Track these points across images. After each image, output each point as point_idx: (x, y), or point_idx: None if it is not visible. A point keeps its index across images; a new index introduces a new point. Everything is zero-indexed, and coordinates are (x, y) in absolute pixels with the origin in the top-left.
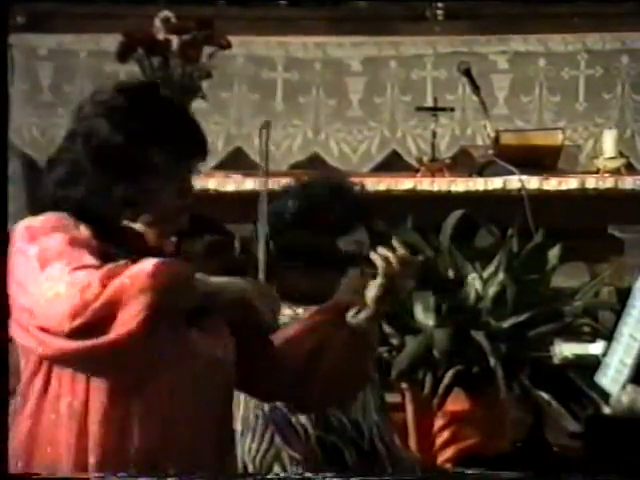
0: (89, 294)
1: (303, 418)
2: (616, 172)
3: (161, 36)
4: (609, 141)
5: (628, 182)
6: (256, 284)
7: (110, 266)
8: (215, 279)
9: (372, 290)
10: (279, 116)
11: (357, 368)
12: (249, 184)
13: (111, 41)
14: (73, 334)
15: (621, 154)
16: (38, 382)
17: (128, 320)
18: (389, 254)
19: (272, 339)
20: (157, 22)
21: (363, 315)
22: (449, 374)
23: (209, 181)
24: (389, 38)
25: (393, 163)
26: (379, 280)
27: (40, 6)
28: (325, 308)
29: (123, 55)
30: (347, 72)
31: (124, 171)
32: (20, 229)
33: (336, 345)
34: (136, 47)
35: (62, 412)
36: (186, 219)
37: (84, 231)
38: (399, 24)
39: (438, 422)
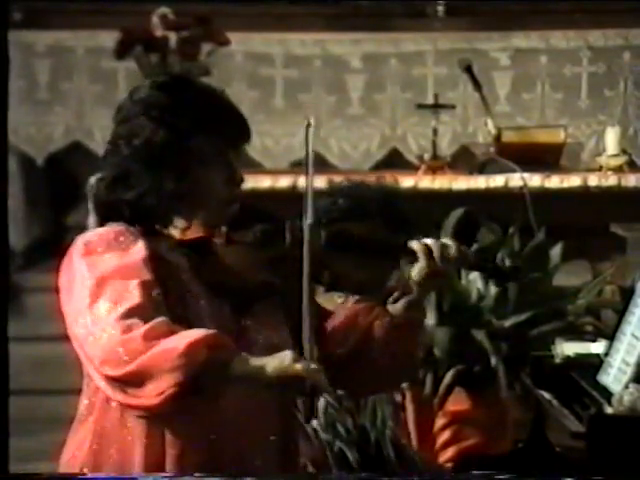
0: (126, 353)
1: (315, 422)
2: (619, 170)
3: (159, 33)
4: (612, 138)
5: (631, 180)
6: (296, 355)
7: (156, 323)
8: (255, 359)
9: (414, 273)
10: (278, 113)
11: (403, 355)
12: (247, 182)
13: (109, 38)
14: (109, 381)
15: (624, 151)
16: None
17: (154, 394)
18: (427, 241)
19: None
20: (155, 19)
21: (403, 301)
22: (450, 373)
23: None
24: (389, 35)
25: (394, 161)
26: (420, 264)
27: (37, 3)
28: (366, 297)
29: (121, 52)
30: (347, 69)
31: (172, 165)
32: (79, 244)
33: (379, 333)
34: (134, 44)
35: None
36: (236, 208)
37: (140, 247)
38: (399, 20)
39: (439, 422)
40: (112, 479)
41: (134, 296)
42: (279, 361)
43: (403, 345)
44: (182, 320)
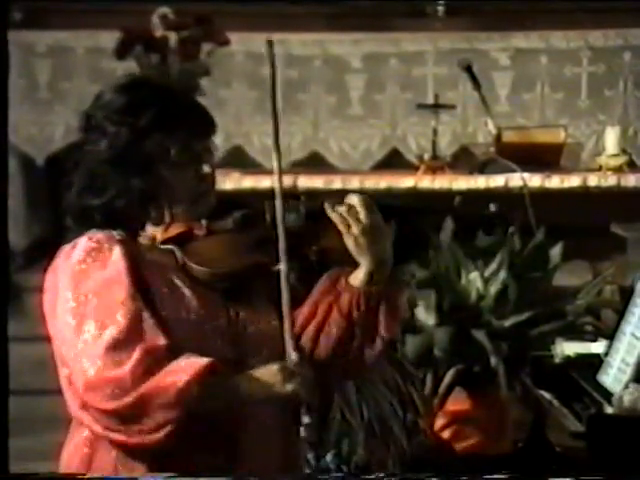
0: (120, 387)
1: None
2: (619, 169)
3: (159, 33)
4: (612, 138)
5: (631, 180)
6: (285, 370)
7: (141, 355)
8: (246, 381)
9: (349, 244)
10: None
11: (376, 323)
12: (247, 182)
13: (109, 38)
14: (96, 413)
15: (624, 151)
16: None
17: (153, 429)
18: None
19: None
20: (155, 19)
21: (358, 273)
22: (450, 373)
23: None
24: (389, 35)
25: (394, 161)
26: (360, 216)
27: (37, 2)
28: (324, 281)
29: (121, 52)
30: (347, 69)
31: (138, 165)
32: (62, 257)
33: (343, 312)
34: (134, 44)
35: None
36: (213, 201)
37: (120, 257)
38: (399, 20)
39: (439, 422)
40: (112, 479)
41: (118, 319)
42: (268, 386)
43: (371, 315)
44: (172, 318)
